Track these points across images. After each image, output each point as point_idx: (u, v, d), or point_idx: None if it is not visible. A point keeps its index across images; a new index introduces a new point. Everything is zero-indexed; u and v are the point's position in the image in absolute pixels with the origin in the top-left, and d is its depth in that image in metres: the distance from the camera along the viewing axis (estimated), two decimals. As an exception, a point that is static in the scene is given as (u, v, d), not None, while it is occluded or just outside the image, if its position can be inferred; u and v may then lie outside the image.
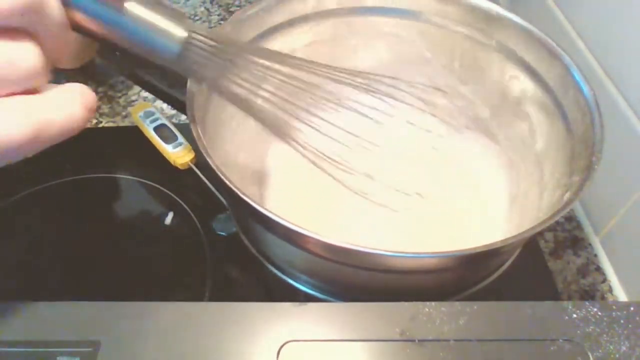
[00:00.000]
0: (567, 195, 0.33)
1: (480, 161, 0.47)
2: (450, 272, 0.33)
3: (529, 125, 0.43)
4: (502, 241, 0.29)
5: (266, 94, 0.34)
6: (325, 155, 0.36)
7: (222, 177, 0.31)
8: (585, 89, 0.37)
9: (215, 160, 0.32)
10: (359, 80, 0.36)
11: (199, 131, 0.34)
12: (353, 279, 0.34)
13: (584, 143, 0.35)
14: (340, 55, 0.47)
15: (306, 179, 0.46)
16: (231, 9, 0.76)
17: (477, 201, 0.45)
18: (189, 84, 0.36)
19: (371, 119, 0.40)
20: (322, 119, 0.36)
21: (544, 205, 0.38)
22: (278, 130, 0.35)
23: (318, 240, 0.29)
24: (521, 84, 0.43)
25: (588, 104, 0.36)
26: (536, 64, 0.41)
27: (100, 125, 0.60)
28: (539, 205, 0.40)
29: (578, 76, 0.38)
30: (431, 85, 0.47)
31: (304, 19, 0.46)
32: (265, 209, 0.29)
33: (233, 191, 0.30)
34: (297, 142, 0.35)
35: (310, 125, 0.36)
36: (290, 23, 0.45)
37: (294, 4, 0.45)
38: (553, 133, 0.40)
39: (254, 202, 0.30)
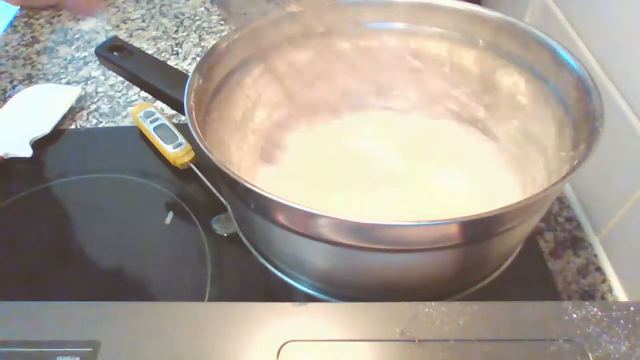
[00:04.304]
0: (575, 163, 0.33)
1: (485, 161, 0.47)
2: (462, 249, 0.32)
3: (525, 115, 0.43)
4: (525, 200, 0.29)
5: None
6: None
7: (223, 168, 0.30)
8: (575, 64, 0.37)
9: (215, 156, 0.31)
10: None
11: (199, 131, 0.34)
12: (356, 272, 0.33)
13: (583, 116, 0.35)
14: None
15: (305, 175, 0.46)
16: (231, 9, 0.76)
17: (487, 199, 0.45)
18: (188, 83, 0.36)
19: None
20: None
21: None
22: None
23: (329, 218, 0.28)
24: (511, 77, 0.43)
25: (580, 78, 0.36)
26: (523, 53, 0.42)
27: (100, 125, 0.60)
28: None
29: (566, 55, 0.38)
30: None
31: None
32: (265, 191, 0.29)
33: (232, 179, 0.30)
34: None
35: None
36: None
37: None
38: (549, 116, 0.40)
39: (255, 186, 0.29)
